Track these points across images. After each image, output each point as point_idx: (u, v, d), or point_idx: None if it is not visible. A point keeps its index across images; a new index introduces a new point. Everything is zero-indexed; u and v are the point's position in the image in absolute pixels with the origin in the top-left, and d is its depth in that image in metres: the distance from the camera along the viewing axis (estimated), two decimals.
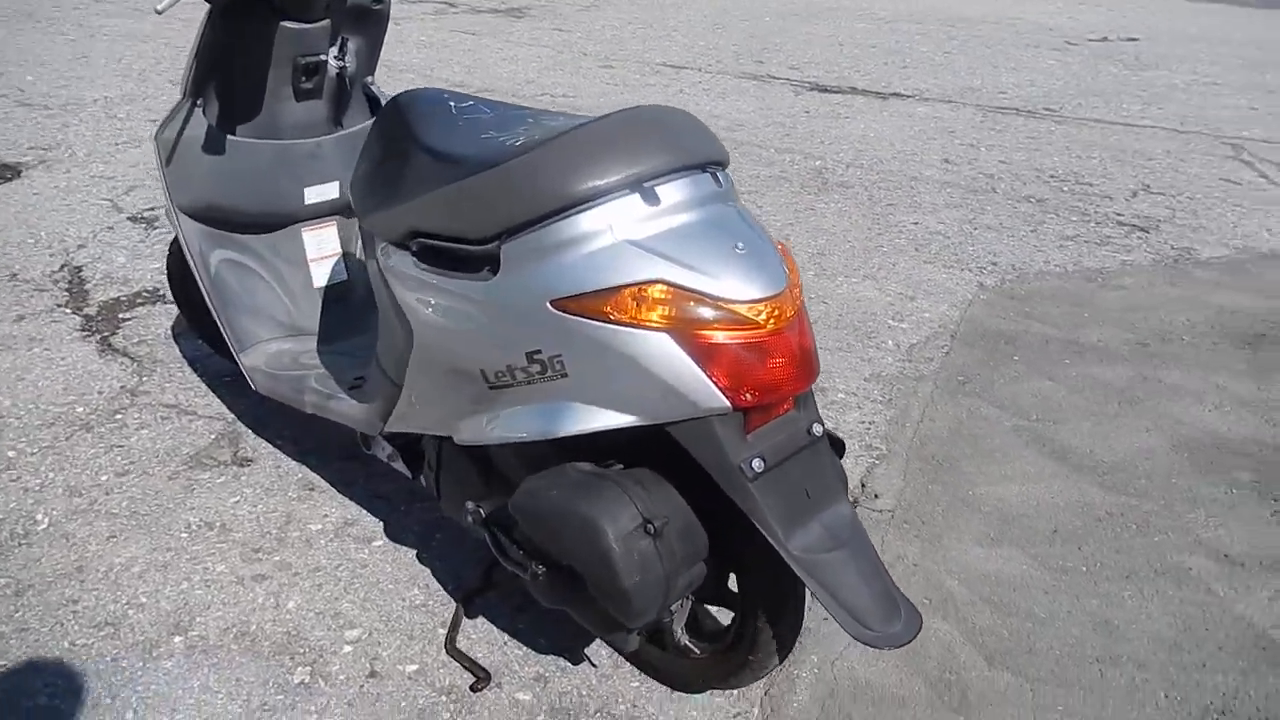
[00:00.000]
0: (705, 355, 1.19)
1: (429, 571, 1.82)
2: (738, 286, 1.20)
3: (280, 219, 2.04)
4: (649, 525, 1.26)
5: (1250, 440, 2.34)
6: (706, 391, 1.20)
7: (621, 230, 1.23)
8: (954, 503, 2.07)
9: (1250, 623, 1.76)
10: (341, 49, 1.95)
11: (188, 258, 1.97)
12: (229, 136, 1.92)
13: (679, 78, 5.66)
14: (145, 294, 2.81)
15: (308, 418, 1.99)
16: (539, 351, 1.26)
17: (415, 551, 1.88)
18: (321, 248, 2.10)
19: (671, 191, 1.26)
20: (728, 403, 1.20)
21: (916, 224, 3.63)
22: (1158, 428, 2.39)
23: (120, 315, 2.69)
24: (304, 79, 1.92)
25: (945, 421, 2.38)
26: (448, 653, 1.63)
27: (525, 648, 1.66)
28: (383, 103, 2.09)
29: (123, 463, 2.10)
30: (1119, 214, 3.83)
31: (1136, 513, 2.06)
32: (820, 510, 1.28)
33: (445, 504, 1.63)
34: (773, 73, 5.92)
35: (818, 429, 1.32)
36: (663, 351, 1.20)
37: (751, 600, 1.37)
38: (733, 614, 1.47)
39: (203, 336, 2.44)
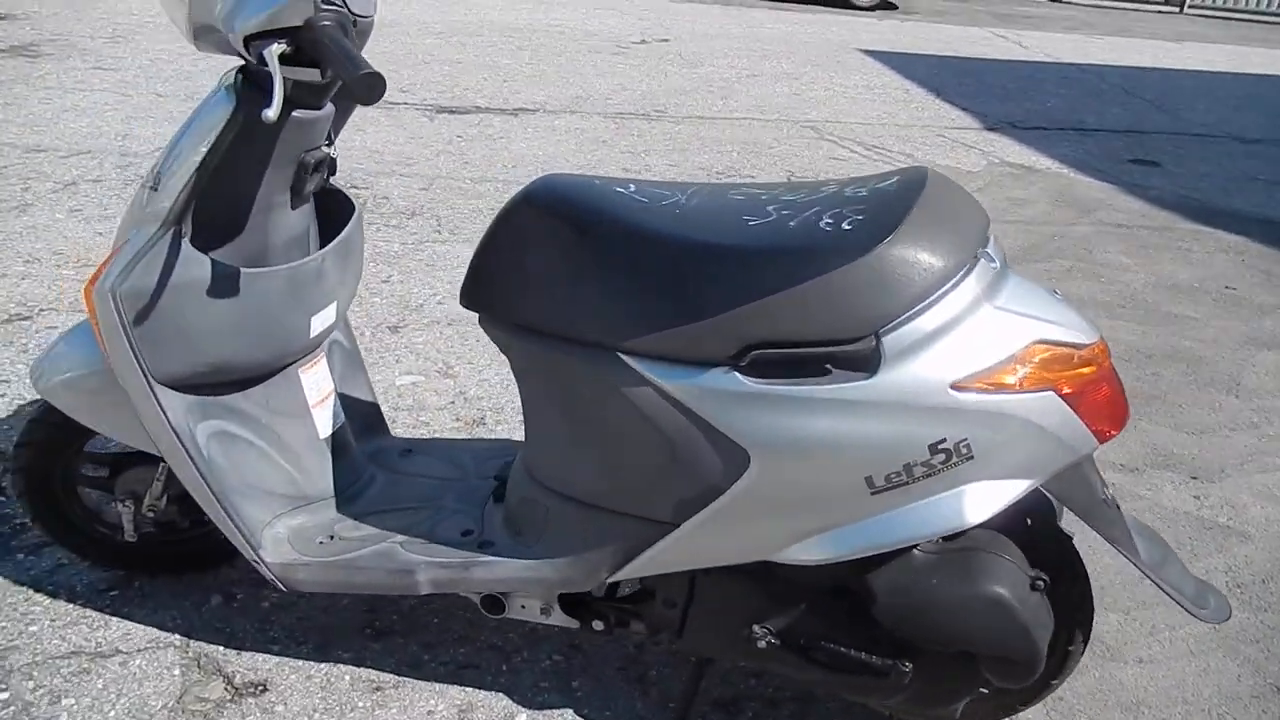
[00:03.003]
0: (1076, 402, 1.25)
1: None
2: (1081, 331, 1.28)
3: (279, 363, 1.58)
4: (1037, 582, 1.30)
5: None
6: (1083, 436, 1.26)
7: (987, 298, 1.25)
8: None
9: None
10: (328, 136, 1.56)
11: (176, 445, 1.45)
12: (243, 270, 1.44)
13: None
14: None
15: (274, 605, 1.67)
16: (943, 441, 1.21)
17: (569, 711, 1.63)
18: (320, 388, 1.66)
19: (993, 251, 1.29)
20: (1097, 442, 1.28)
21: None
22: None
23: None
24: (308, 179, 1.50)
25: None
26: None
27: None
28: (347, 194, 1.70)
29: None
30: None
31: None
32: (1123, 517, 1.41)
33: (694, 641, 1.46)
34: (387, 99, 5.64)
35: None
36: (1050, 408, 1.24)
37: (1069, 617, 1.45)
38: None
39: (66, 544, 1.81)
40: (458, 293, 1.55)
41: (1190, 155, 5.66)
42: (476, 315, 1.46)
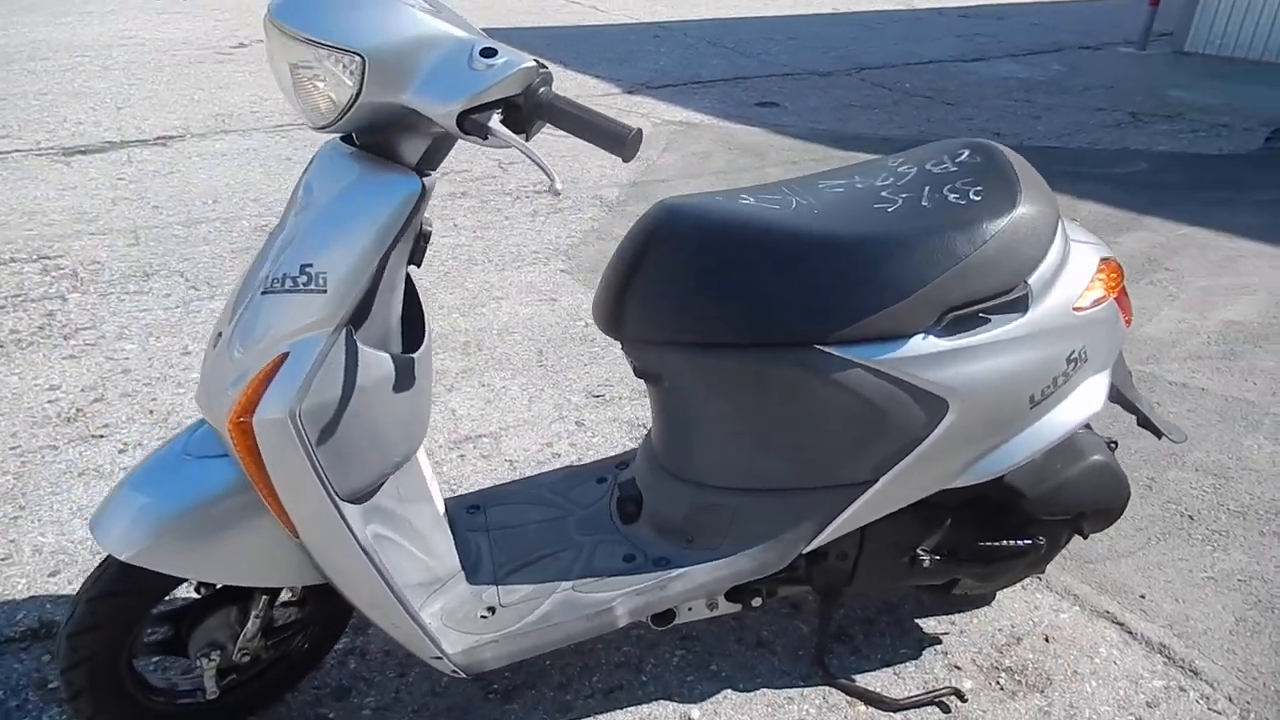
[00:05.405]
0: (1120, 302, 1.63)
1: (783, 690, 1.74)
2: (1106, 247, 1.66)
3: (418, 447, 1.46)
4: (1110, 444, 1.68)
5: None
6: (1123, 328, 1.64)
7: (1070, 234, 1.58)
8: None
9: None
10: None
11: (362, 562, 1.31)
12: (415, 357, 1.32)
13: None
14: None
15: (375, 710, 1.69)
16: (1073, 352, 1.52)
17: (729, 691, 1.73)
18: (428, 467, 1.54)
19: None
20: (1127, 332, 1.66)
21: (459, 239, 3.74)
22: None
23: None
24: (424, 248, 1.39)
25: None
26: (897, 708, 1.69)
27: (927, 659, 1.81)
28: None
29: None
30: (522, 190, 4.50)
31: None
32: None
33: (865, 582, 1.64)
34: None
35: None
36: (1112, 310, 1.60)
37: None
38: None
39: None
40: None
41: (794, 92, 6.60)
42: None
